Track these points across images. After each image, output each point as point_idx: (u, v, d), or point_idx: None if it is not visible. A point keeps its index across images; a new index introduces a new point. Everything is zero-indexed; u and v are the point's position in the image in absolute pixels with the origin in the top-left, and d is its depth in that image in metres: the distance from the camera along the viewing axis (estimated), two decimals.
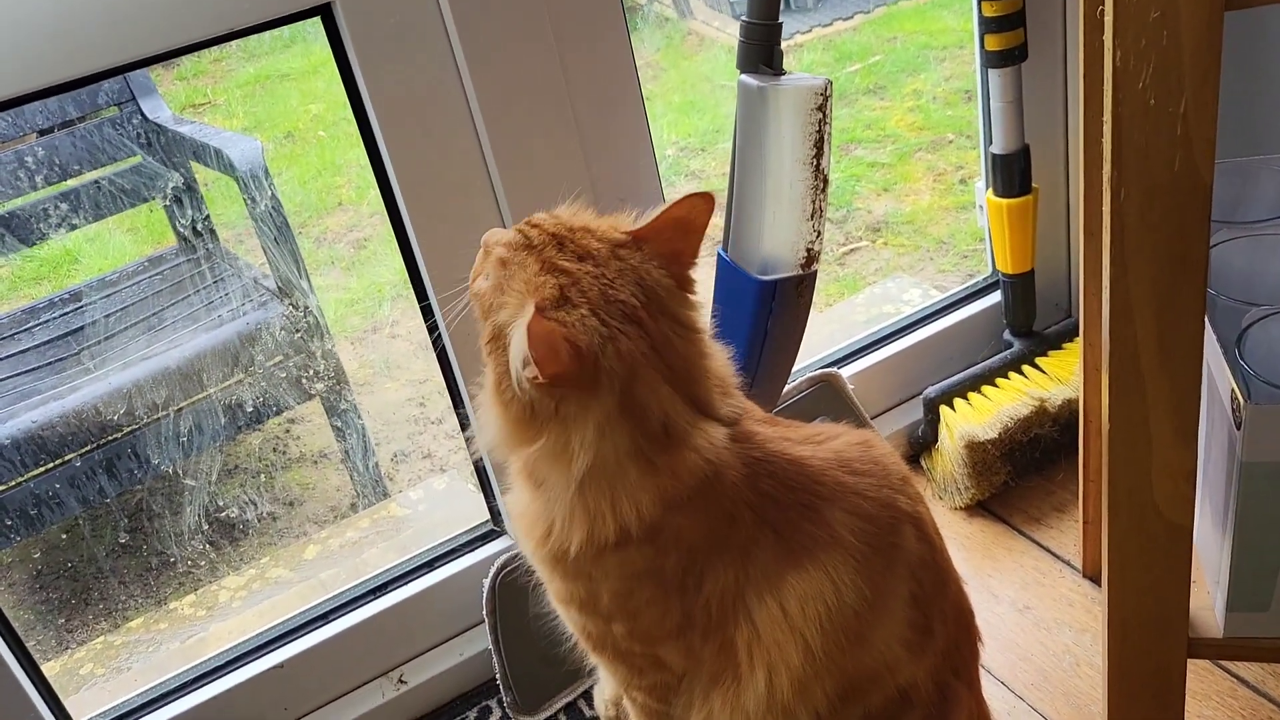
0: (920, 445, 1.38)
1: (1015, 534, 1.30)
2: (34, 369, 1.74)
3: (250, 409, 1.74)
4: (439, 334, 1.11)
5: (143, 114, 1.87)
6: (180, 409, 1.69)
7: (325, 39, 1.00)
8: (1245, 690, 1.08)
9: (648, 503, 0.76)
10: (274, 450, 1.99)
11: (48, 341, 1.80)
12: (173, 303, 1.83)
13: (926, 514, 0.87)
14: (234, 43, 0.95)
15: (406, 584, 1.22)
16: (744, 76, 1.05)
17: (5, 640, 1.02)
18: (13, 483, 1.60)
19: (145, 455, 1.69)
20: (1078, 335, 1.14)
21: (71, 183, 1.83)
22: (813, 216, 1.05)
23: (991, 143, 1.29)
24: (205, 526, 1.80)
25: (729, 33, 2.91)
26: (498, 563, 1.15)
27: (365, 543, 1.69)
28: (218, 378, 1.71)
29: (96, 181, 1.84)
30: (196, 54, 0.99)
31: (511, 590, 1.14)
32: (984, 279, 1.46)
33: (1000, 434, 1.29)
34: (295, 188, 2.56)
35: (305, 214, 2.50)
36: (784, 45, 1.06)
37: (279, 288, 1.80)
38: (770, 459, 0.81)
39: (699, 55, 3.00)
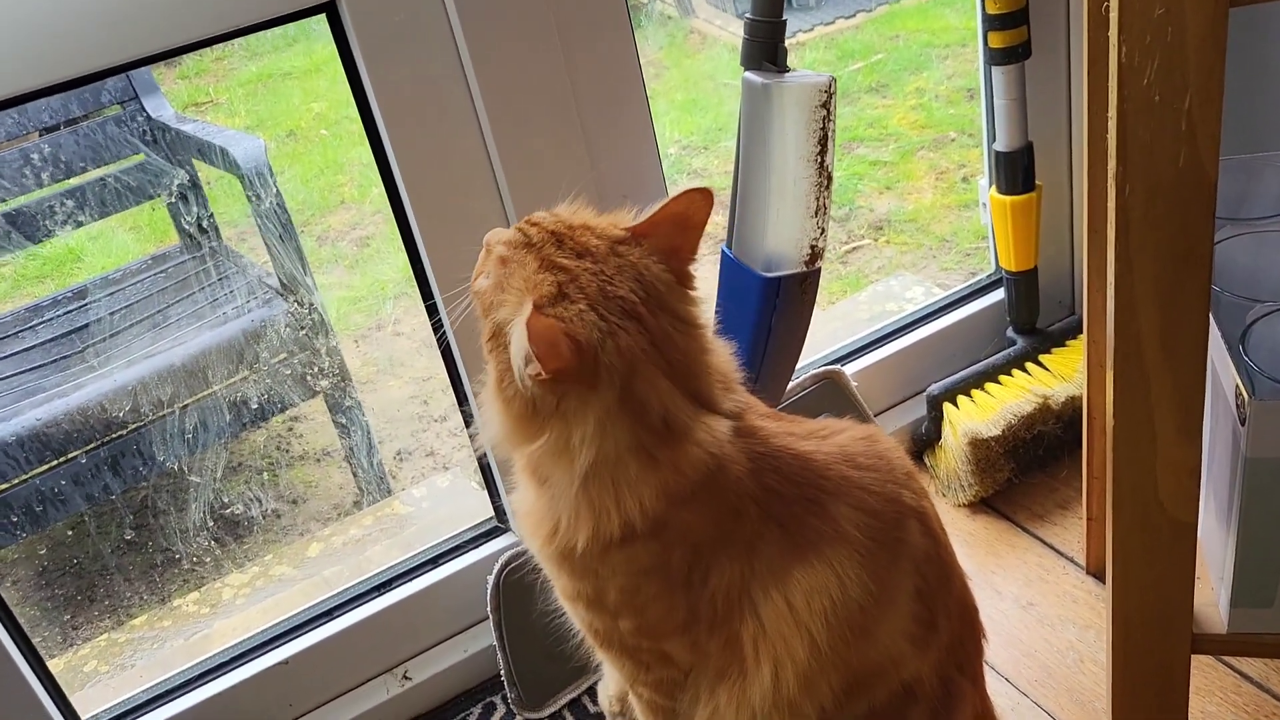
0: (923, 442, 1.38)
1: (1019, 531, 1.30)
2: (39, 366, 1.75)
3: (255, 406, 1.75)
4: (443, 332, 1.11)
5: (146, 112, 1.88)
6: (185, 406, 1.70)
7: (327, 37, 1.00)
8: (1249, 686, 1.08)
9: (650, 497, 0.77)
10: (277, 448, 2.00)
11: (52, 339, 1.81)
12: (177, 300, 1.84)
13: (931, 509, 0.87)
14: (236, 41, 0.95)
15: (411, 580, 1.22)
16: (748, 74, 1.05)
17: (12, 637, 1.03)
18: (18, 480, 1.61)
19: (150, 452, 1.69)
20: (1081, 332, 1.14)
21: (76, 180, 1.83)
22: (817, 213, 1.05)
23: (995, 140, 1.29)
24: (210, 523, 1.80)
25: (731, 31, 2.91)
26: (502, 559, 1.16)
27: (368, 540, 1.69)
28: (223, 374, 1.71)
29: (102, 179, 1.84)
30: (199, 52, 0.99)
31: (516, 587, 1.15)
32: (987, 276, 1.47)
33: (1004, 431, 1.29)
34: (297, 186, 2.57)
35: (308, 212, 2.50)
36: (786, 43, 1.07)
37: (283, 285, 1.80)
38: (775, 453, 0.81)
39: (701, 53, 3.00)
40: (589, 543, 0.78)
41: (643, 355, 0.76)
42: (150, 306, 1.83)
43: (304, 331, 1.78)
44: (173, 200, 1.92)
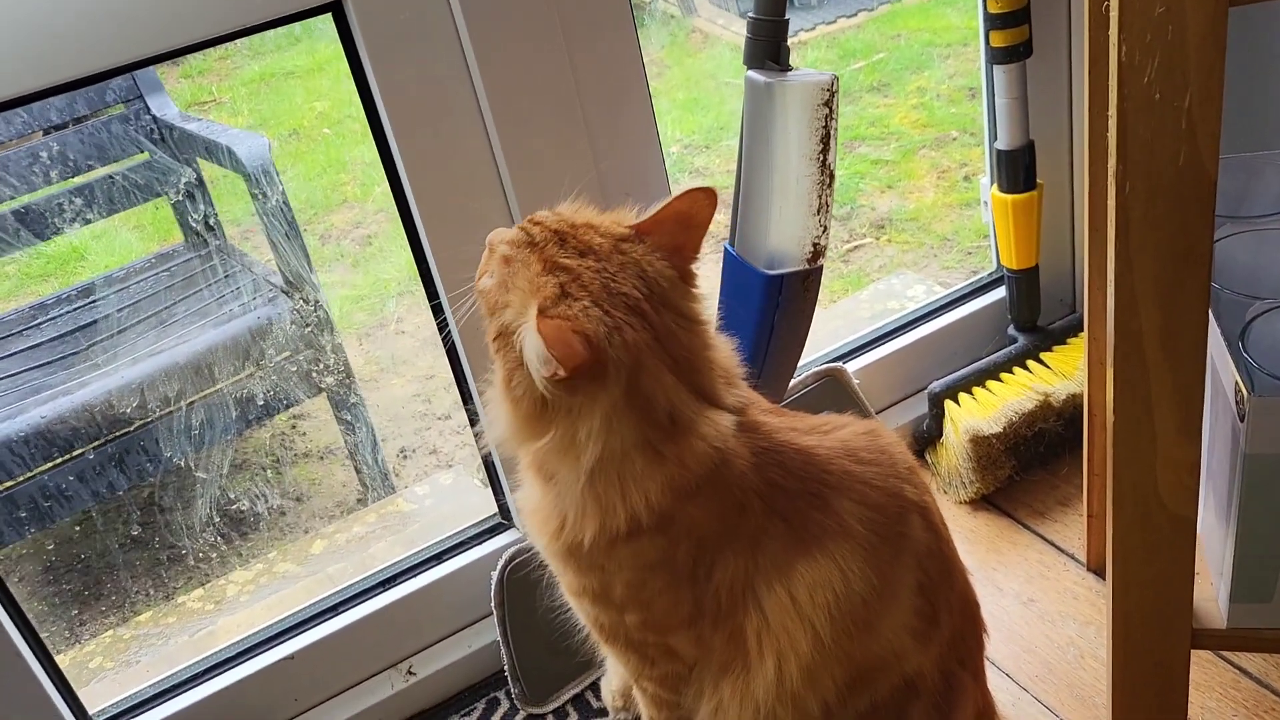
0: (925, 440, 1.39)
1: (1019, 528, 1.31)
2: (44, 364, 1.75)
3: (260, 403, 1.76)
4: (448, 331, 1.12)
5: (150, 111, 1.88)
6: (191, 403, 1.70)
7: (330, 36, 1.01)
8: (1248, 682, 1.08)
9: (656, 491, 0.77)
10: (282, 445, 2.00)
11: (58, 337, 1.81)
12: (182, 298, 1.84)
13: (933, 503, 0.87)
14: (240, 40, 0.95)
15: (414, 577, 1.22)
16: (751, 72, 1.06)
17: (21, 632, 1.03)
18: (25, 476, 1.61)
19: (156, 449, 1.70)
20: (1082, 330, 1.15)
21: (83, 178, 1.84)
22: (819, 211, 1.05)
23: (996, 139, 1.29)
24: (215, 520, 1.81)
25: (733, 30, 2.91)
26: (506, 555, 1.16)
27: (372, 537, 1.69)
28: (228, 372, 1.72)
29: (109, 176, 1.85)
30: (202, 51, 1.00)
31: (520, 583, 1.15)
32: (988, 274, 1.47)
33: (1005, 428, 1.29)
34: (300, 185, 2.57)
35: (310, 211, 2.50)
36: (789, 42, 1.07)
37: (287, 283, 1.81)
38: (778, 448, 0.82)
39: (703, 52, 3.00)
40: (595, 538, 0.79)
41: (648, 350, 0.76)
42: (155, 304, 1.84)
43: (308, 329, 1.78)
44: (178, 199, 1.93)
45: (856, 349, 1.42)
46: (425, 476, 1.90)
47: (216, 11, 0.92)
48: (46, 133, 1.82)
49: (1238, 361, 0.85)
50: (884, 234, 2.25)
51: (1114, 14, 0.66)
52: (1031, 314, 1.39)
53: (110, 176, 1.85)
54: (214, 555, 1.78)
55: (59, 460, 1.63)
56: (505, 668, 1.17)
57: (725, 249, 1.12)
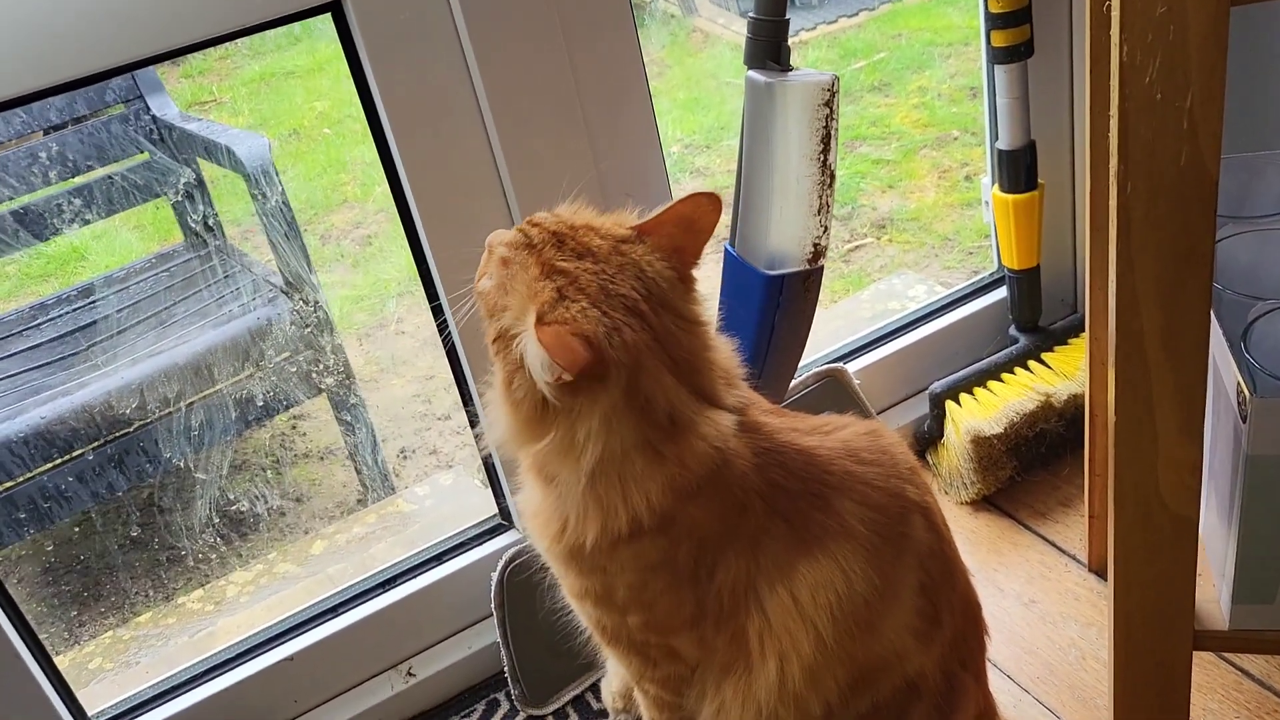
0: (926, 440, 1.39)
1: (1021, 528, 1.31)
2: (44, 365, 1.75)
3: (260, 403, 1.75)
4: (448, 332, 1.12)
5: (150, 111, 1.88)
6: (191, 404, 1.70)
7: (330, 36, 1.01)
8: (1250, 683, 1.08)
9: (657, 492, 0.77)
10: (281, 446, 2.00)
11: (57, 337, 1.81)
12: (182, 298, 1.84)
13: (934, 504, 0.87)
14: (240, 40, 0.95)
15: (414, 577, 1.22)
16: (751, 72, 1.06)
17: (19, 633, 1.03)
18: (24, 477, 1.61)
19: (156, 450, 1.70)
20: (1083, 330, 1.15)
21: (82, 179, 1.84)
22: (819, 212, 1.05)
23: (997, 139, 1.29)
24: (215, 521, 1.81)
25: (734, 29, 2.91)
26: (506, 556, 1.16)
27: (372, 538, 1.69)
28: (228, 372, 1.72)
29: (109, 177, 1.85)
30: (203, 51, 1.00)
31: (520, 584, 1.15)
32: (989, 274, 1.47)
33: (1006, 429, 1.29)
34: (301, 185, 2.57)
35: (310, 211, 2.50)
36: (789, 42, 1.07)
37: (287, 283, 1.81)
38: (779, 449, 0.82)
39: (704, 52, 3.00)
40: (597, 540, 0.79)
41: (646, 351, 0.76)
42: (155, 305, 1.84)
43: (308, 330, 1.78)
44: (178, 199, 1.93)
45: (857, 349, 1.41)
46: (425, 477, 1.90)
47: (216, 11, 0.92)
48: (46, 133, 1.82)
49: (1240, 362, 0.85)
50: (885, 234, 2.25)
51: (1115, 14, 0.65)
52: (1033, 314, 1.39)
53: (110, 177, 1.85)
54: (214, 556, 1.78)
55: (58, 461, 1.63)
56: (505, 669, 1.17)
57: (726, 249, 1.12)
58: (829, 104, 1.02)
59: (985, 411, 1.31)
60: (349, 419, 1.89)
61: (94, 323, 1.83)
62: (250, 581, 1.69)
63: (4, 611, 1.02)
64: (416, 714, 1.22)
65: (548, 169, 1.08)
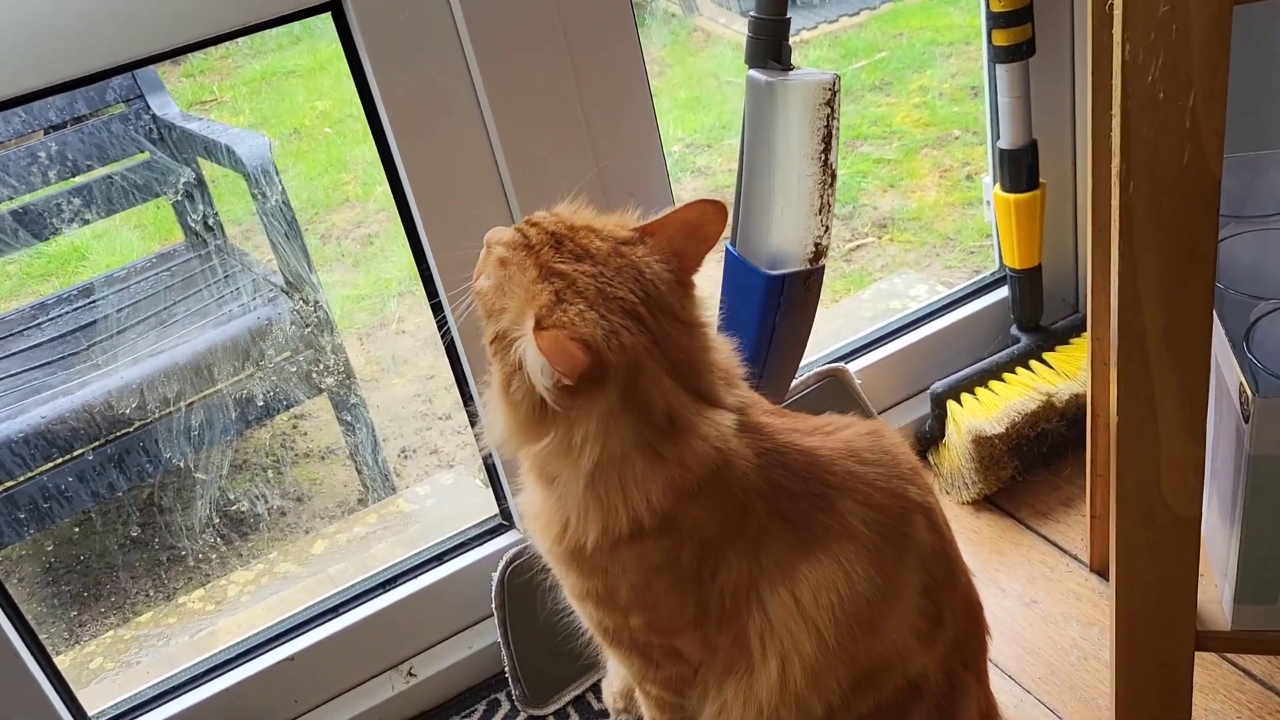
0: (927, 440, 1.39)
1: (1022, 529, 1.30)
2: (44, 364, 1.75)
3: (261, 403, 1.75)
4: (448, 330, 1.12)
5: (151, 110, 1.88)
6: (191, 403, 1.70)
7: (331, 36, 1.00)
8: (1253, 684, 1.08)
9: (658, 492, 0.77)
10: (282, 446, 2.00)
11: (58, 337, 1.81)
12: (182, 298, 1.84)
13: (936, 504, 0.87)
14: (241, 39, 0.95)
15: (415, 577, 1.22)
16: (752, 72, 1.05)
17: (19, 633, 1.03)
18: (24, 477, 1.61)
19: (156, 450, 1.70)
20: (1085, 330, 1.15)
21: (82, 178, 1.84)
22: (820, 211, 1.05)
23: (999, 138, 1.29)
24: (215, 521, 1.81)
25: (735, 29, 2.91)
26: (507, 556, 1.16)
27: (373, 538, 1.69)
28: (228, 372, 1.72)
29: (109, 176, 1.85)
30: (203, 51, 0.99)
31: (521, 584, 1.15)
32: (991, 274, 1.47)
33: (1007, 429, 1.29)
34: (301, 184, 2.57)
35: (311, 210, 2.50)
36: (790, 41, 1.07)
37: (287, 283, 1.80)
38: (781, 449, 0.82)
39: (705, 51, 3.00)
40: (599, 540, 0.79)
41: (645, 352, 0.76)
42: (155, 304, 1.84)
43: (309, 329, 1.78)
44: (178, 198, 1.93)
45: (858, 349, 1.41)
46: (426, 477, 1.90)
47: (216, 11, 0.92)
48: (46, 132, 1.82)
49: (1242, 362, 0.85)
50: (886, 233, 2.25)
51: (1117, 13, 0.65)
52: (1034, 314, 1.38)
53: (110, 176, 1.85)
54: (214, 556, 1.78)
55: (59, 461, 1.63)
56: (506, 669, 1.17)
57: (727, 249, 1.11)
58: (830, 103, 1.02)
59: (987, 411, 1.31)
60: (350, 419, 1.89)
61: (94, 322, 1.83)
62: (251, 581, 1.69)
63: (4, 611, 1.02)
64: (417, 714, 1.22)
65: (548, 168, 1.07)
